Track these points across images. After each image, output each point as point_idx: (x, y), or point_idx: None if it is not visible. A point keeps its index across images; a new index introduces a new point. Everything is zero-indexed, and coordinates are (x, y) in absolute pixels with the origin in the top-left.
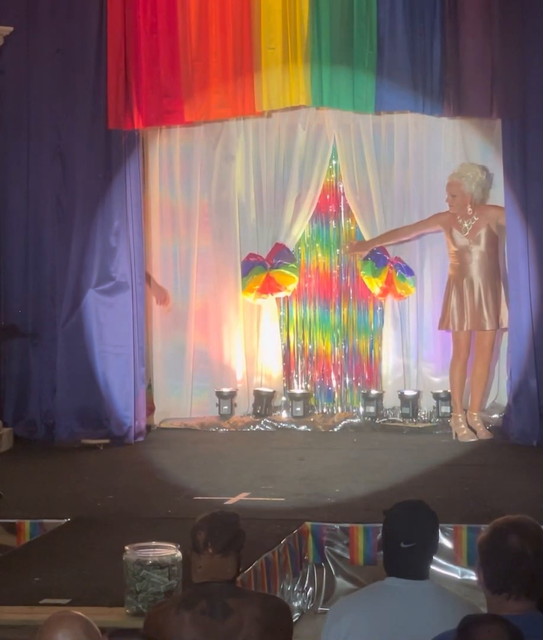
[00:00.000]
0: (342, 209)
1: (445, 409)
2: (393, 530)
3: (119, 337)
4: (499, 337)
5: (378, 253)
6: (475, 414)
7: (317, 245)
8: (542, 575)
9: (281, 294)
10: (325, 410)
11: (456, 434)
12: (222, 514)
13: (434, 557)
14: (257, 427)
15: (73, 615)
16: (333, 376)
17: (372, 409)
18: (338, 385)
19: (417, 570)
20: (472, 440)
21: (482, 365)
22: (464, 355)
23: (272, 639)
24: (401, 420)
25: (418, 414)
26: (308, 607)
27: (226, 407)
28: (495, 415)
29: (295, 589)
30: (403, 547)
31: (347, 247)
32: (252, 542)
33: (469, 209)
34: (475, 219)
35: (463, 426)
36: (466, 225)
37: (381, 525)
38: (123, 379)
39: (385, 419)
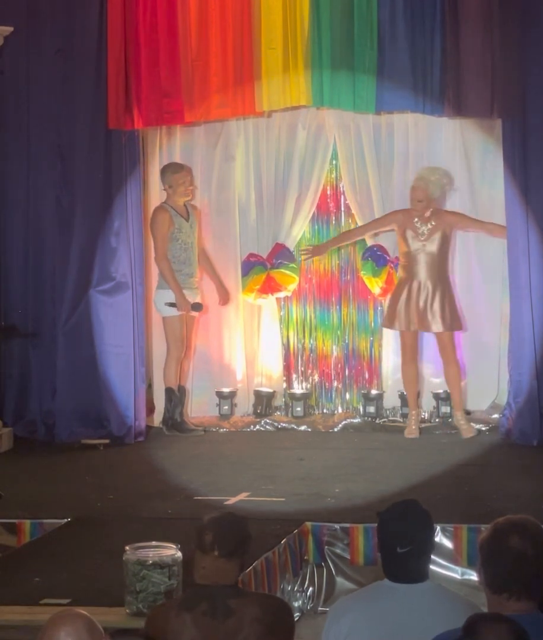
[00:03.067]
0: (342, 208)
1: (445, 409)
2: (388, 535)
3: (119, 337)
4: (494, 337)
5: (378, 253)
6: (458, 413)
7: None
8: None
9: (281, 294)
10: (325, 410)
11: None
12: (232, 516)
13: (434, 557)
14: (257, 427)
15: (76, 613)
16: (333, 376)
17: (372, 409)
18: (339, 386)
19: (416, 573)
20: (413, 437)
21: (450, 365)
22: (410, 356)
23: (273, 639)
24: (401, 420)
25: (420, 415)
26: (308, 607)
27: (226, 407)
28: (495, 416)
29: (295, 589)
30: (399, 552)
31: (303, 254)
32: (252, 542)
33: (428, 213)
34: (432, 223)
35: (412, 422)
36: (423, 229)
37: None
38: (123, 379)
39: (385, 419)
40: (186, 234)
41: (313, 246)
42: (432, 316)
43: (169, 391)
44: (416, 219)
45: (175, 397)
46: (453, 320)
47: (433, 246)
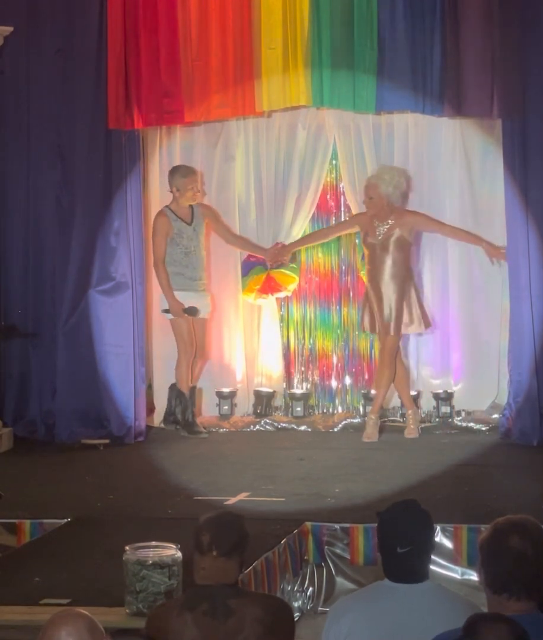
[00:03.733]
0: (342, 208)
1: (445, 409)
2: (388, 535)
3: (119, 337)
4: (494, 337)
5: None
6: (409, 411)
7: (317, 246)
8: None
9: (281, 294)
10: (325, 410)
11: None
12: (228, 515)
13: (434, 557)
14: (257, 427)
15: (77, 613)
16: (333, 376)
17: None
18: (339, 385)
19: (416, 574)
20: (370, 441)
21: (384, 368)
22: (384, 359)
23: (273, 639)
24: (401, 420)
25: (419, 414)
26: (308, 607)
27: (226, 407)
28: (495, 416)
29: (295, 589)
30: (399, 552)
31: (268, 259)
32: (252, 542)
33: (385, 213)
34: (390, 222)
35: (370, 425)
36: (380, 229)
37: None
38: (123, 379)
39: (385, 419)
40: (187, 238)
41: (278, 248)
42: (385, 319)
43: (173, 390)
44: (375, 221)
45: (185, 398)
46: (418, 322)
47: (389, 249)
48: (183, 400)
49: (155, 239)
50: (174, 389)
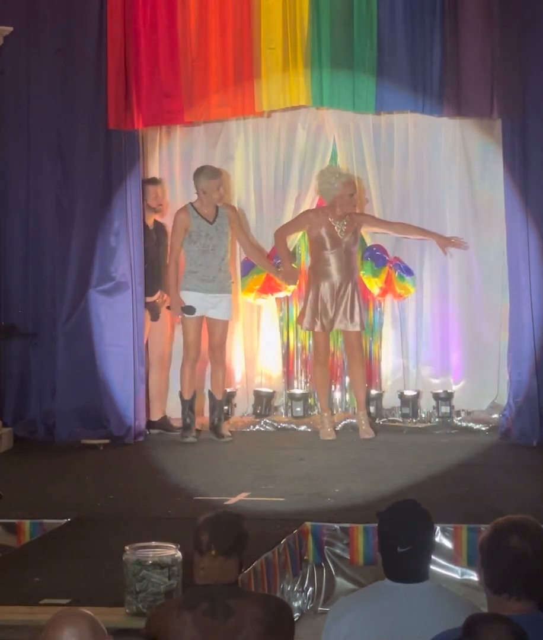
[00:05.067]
0: None
1: (445, 409)
2: (388, 535)
3: (119, 337)
4: (494, 337)
5: (377, 253)
6: (360, 412)
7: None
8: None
9: (281, 294)
10: None
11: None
12: (226, 514)
13: (434, 557)
14: (257, 427)
15: (79, 613)
16: (333, 376)
17: (372, 409)
18: (339, 386)
19: (416, 573)
20: (330, 439)
21: (357, 364)
22: (323, 357)
23: (273, 639)
24: (401, 420)
25: (418, 414)
26: (308, 607)
27: (226, 407)
28: (495, 415)
29: (295, 589)
30: (400, 552)
31: (282, 280)
32: (252, 542)
33: (341, 212)
34: (346, 222)
35: (326, 424)
36: (339, 227)
37: None
38: (123, 379)
39: (385, 419)
40: (206, 236)
41: (283, 272)
42: (348, 316)
43: (212, 397)
44: (330, 218)
45: (218, 402)
46: (365, 319)
47: (342, 245)
48: (191, 405)
49: (172, 235)
50: (212, 397)
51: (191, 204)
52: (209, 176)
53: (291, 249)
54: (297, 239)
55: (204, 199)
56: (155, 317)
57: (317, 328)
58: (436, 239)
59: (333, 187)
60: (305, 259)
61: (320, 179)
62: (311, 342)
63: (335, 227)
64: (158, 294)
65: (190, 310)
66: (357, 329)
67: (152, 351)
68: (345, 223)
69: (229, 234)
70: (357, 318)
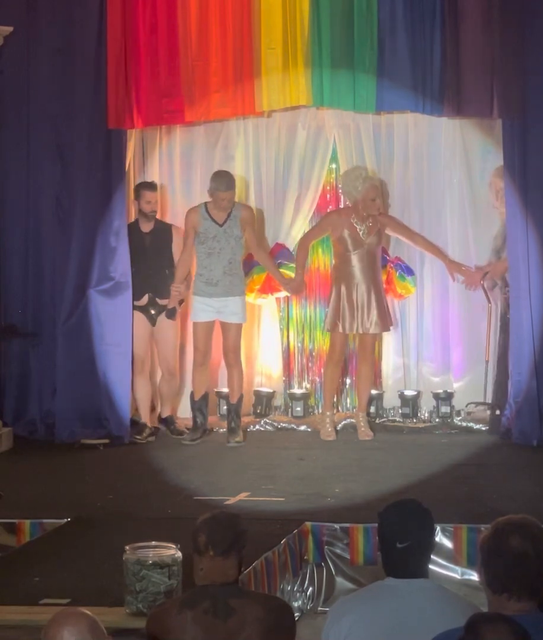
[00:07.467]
0: None
1: (445, 409)
2: (387, 531)
3: (119, 337)
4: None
5: None
6: (360, 413)
7: (317, 245)
8: None
9: (281, 294)
10: None
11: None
12: (222, 514)
13: (434, 557)
14: (257, 427)
15: (79, 612)
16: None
17: (372, 409)
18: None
19: (414, 569)
20: (330, 439)
21: (367, 366)
22: (338, 357)
23: (274, 639)
24: (401, 420)
25: (418, 414)
26: (308, 607)
27: (226, 407)
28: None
29: (295, 589)
30: (398, 547)
31: (289, 292)
32: (252, 542)
33: (365, 213)
34: (370, 223)
35: (328, 423)
36: (361, 229)
37: None
38: (123, 379)
39: (385, 419)
40: (214, 238)
41: (294, 282)
42: (371, 317)
43: (191, 399)
44: (353, 219)
45: (231, 405)
46: (385, 321)
47: (370, 246)
48: (203, 407)
49: (184, 234)
50: (226, 401)
51: (205, 204)
52: (222, 188)
53: (291, 249)
54: (297, 239)
55: (216, 202)
56: (171, 315)
57: (339, 330)
58: (446, 264)
59: (357, 190)
60: (329, 261)
61: (344, 179)
62: (310, 342)
63: (358, 229)
64: (145, 297)
65: (170, 313)
66: (377, 331)
67: (160, 353)
68: (368, 224)
69: (240, 237)
70: (377, 320)
